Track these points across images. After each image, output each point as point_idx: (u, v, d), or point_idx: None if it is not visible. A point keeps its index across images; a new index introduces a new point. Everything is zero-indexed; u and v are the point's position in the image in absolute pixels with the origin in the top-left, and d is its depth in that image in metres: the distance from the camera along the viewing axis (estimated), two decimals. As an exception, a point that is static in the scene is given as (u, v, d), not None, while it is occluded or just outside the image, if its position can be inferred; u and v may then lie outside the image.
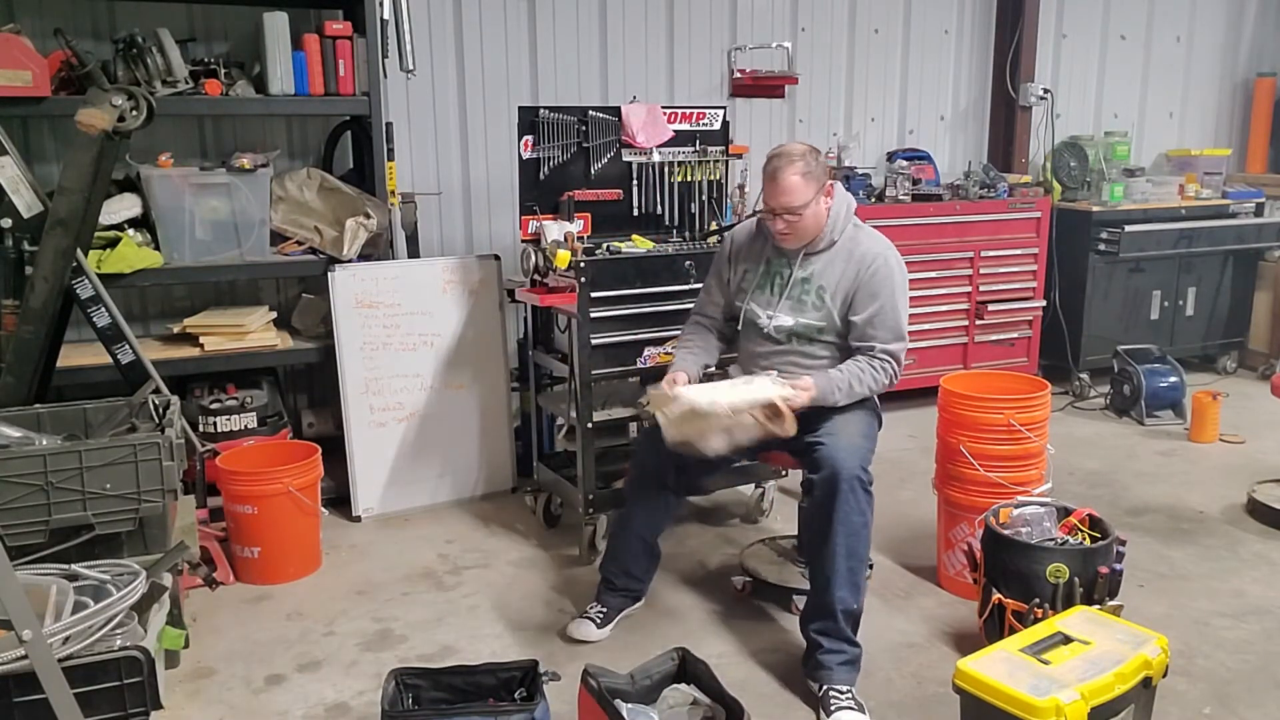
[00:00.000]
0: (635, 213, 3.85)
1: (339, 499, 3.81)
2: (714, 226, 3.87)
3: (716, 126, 3.94)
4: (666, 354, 3.41)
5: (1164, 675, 2.14)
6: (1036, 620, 2.42)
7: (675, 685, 2.28)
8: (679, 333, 3.09)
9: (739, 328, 2.93)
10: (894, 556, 3.39)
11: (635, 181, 3.83)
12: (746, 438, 2.58)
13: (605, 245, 3.49)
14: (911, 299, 2.85)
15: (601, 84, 4.67)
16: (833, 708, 2.47)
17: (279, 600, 3.16)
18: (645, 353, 3.40)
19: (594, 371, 3.33)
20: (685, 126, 3.88)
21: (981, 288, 5.03)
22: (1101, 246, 5.17)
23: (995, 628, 2.64)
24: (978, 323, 5.06)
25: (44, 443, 2.68)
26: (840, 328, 2.78)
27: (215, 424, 3.63)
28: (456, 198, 4.49)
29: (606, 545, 3.04)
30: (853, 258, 2.76)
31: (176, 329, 3.72)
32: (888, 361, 2.72)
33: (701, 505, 3.88)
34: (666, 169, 3.87)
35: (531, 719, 2.13)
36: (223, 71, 3.59)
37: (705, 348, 2.95)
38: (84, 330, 3.35)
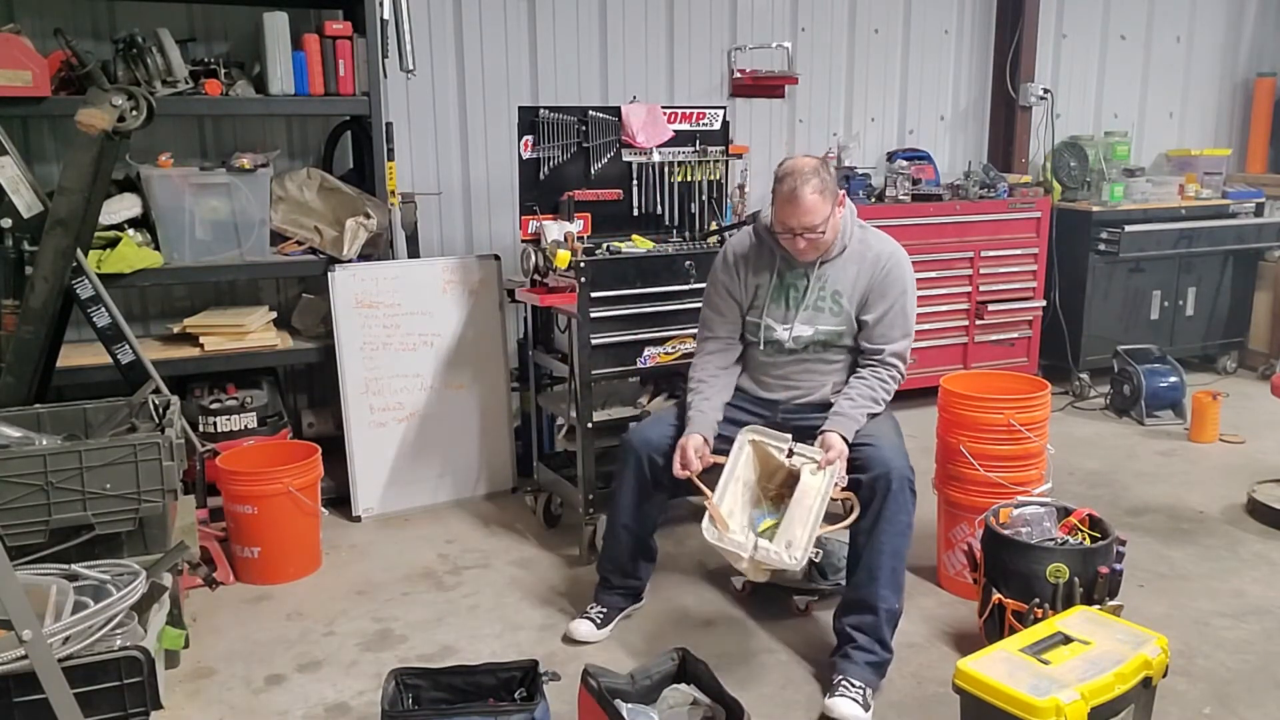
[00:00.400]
0: (635, 213, 3.85)
1: (339, 499, 3.81)
2: (714, 226, 3.87)
3: (716, 126, 3.94)
4: (666, 354, 3.42)
5: (1164, 675, 2.14)
6: (1036, 620, 2.42)
7: (675, 685, 2.28)
8: (693, 359, 2.95)
9: (750, 340, 2.88)
10: (894, 556, 3.39)
11: (635, 181, 3.83)
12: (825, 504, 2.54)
13: (605, 245, 3.49)
14: (911, 299, 2.85)
15: (601, 84, 4.67)
16: (836, 694, 2.47)
17: (279, 600, 3.16)
18: (645, 353, 3.40)
19: (594, 371, 3.33)
20: (685, 126, 3.88)
21: (981, 288, 5.03)
22: (1101, 246, 5.17)
23: (995, 628, 2.64)
24: (978, 323, 5.06)
25: (44, 443, 2.68)
26: (857, 329, 2.79)
27: (215, 424, 3.63)
28: (456, 198, 4.49)
29: (602, 545, 3.04)
30: (865, 259, 2.76)
31: (176, 329, 3.72)
32: (895, 368, 2.75)
33: (702, 505, 3.86)
34: (666, 169, 3.87)
35: (531, 719, 2.13)
36: (223, 71, 3.59)
37: (721, 385, 2.84)
38: (84, 330, 3.35)
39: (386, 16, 3.69)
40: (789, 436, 2.63)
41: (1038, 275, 5.18)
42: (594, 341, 3.30)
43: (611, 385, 3.55)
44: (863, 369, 2.77)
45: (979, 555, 2.77)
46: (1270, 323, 5.68)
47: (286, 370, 4.19)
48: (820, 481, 2.51)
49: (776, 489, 2.64)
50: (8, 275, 2.98)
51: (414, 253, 4.03)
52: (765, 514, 2.61)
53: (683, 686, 2.28)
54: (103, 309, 3.09)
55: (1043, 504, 2.80)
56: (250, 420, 3.68)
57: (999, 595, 2.62)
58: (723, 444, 2.70)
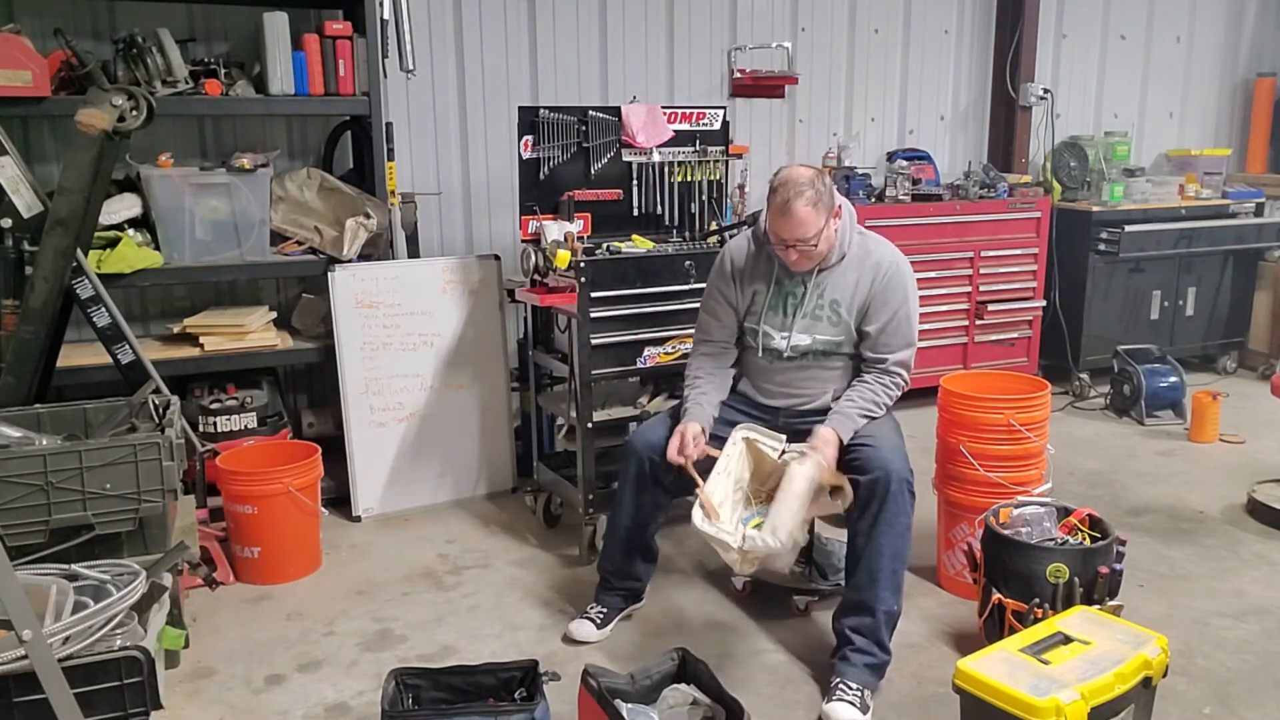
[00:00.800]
0: (635, 213, 3.85)
1: (339, 499, 3.81)
2: (714, 226, 3.87)
3: (716, 126, 3.94)
4: (666, 354, 3.41)
5: (1164, 675, 2.14)
6: (1036, 620, 2.42)
7: (675, 685, 2.28)
8: (689, 359, 2.97)
9: (748, 346, 2.87)
10: (894, 556, 3.38)
11: (635, 181, 3.83)
12: (807, 510, 2.55)
13: (605, 245, 3.49)
14: (910, 299, 2.84)
15: (601, 84, 4.67)
16: (834, 698, 2.47)
17: (279, 600, 3.16)
18: (645, 353, 3.40)
19: (594, 371, 3.33)
20: (685, 126, 3.88)
21: (981, 288, 5.03)
22: (1101, 246, 5.17)
23: (995, 628, 2.64)
24: (978, 323, 5.06)
25: (44, 443, 2.68)
26: (856, 338, 2.77)
27: (215, 424, 3.63)
28: (456, 198, 4.49)
29: (602, 545, 3.04)
30: (865, 267, 2.73)
31: (176, 329, 3.72)
32: (898, 375, 2.74)
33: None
34: (666, 169, 3.87)
35: (531, 719, 2.13)
36: (223, 71, 3.59)
37: (717, 384, 2.85)
38: (84, 330, 3.35)
39: (386, 16, 3.69)
40: (784, 437, 2.63)
41: (1038, 275, 5.18)
42: (594, 341, 3.30)
43: (611, 385, 3.55)
44: (866, 375, 2.76)
45: (979, 555, 2.77)
46: (1270, 323, 5.68)
47: (286, 370, 4.19)
48: (806, 469, 2.50)
49: (769, 492, 2.63)
50: (8, 275, 2.98)
51: (414, 253, 4.03)
52: (755, 513, 2.61)
53: (683, 686, 2.28)
54: (103, 309, 3.09)
55: (1043, 504, 2.80)
56: (250, 420, 3.68)
57: (999, 595, 2.62)
58: (718, 443, 2.69)
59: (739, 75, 4.92)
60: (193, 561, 2.81)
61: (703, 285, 3.01)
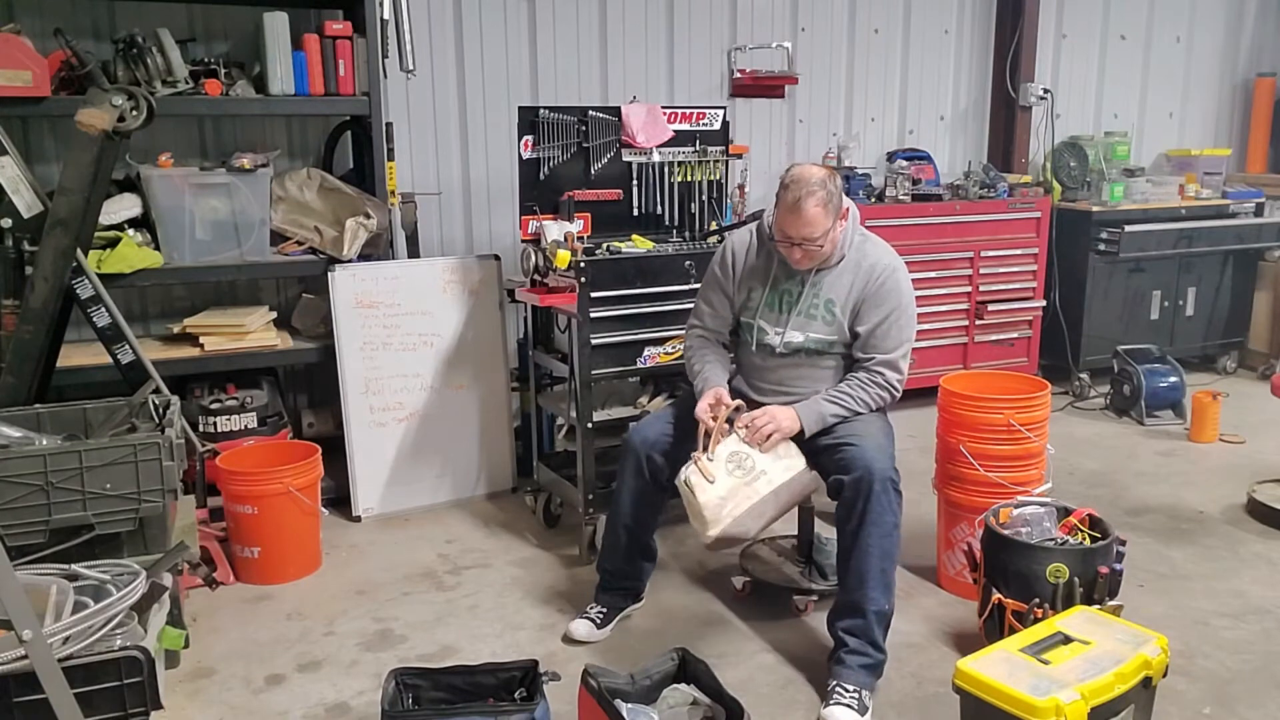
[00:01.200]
0: (635, 213, 3.85)
1: (339, 499, 3.81)
2: (714, 226, 3.87)
3: (716, 126, 3.93)
4: (666, 354, 3.41)
5: (1164, 675, 2.14)
6: (1036, 620, 2.42)
7: (675, 685, 2.28)
8: (683, 341, 3.02)
9: (744, 341, 2.90)
10: (894, 556, 3.39)
11: (635, 181, 3.83)
12: (776, 507, 2.65)
13: (605, 245, 3.49)
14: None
15: (601, 84, 4.67)
16: (831, 702, 2.47)
17: (279, 600, 3.16)
18: (645, 353, 3.40)
19: (594, 371, 3.33)
20: (685, 126, 3.88)
21: (981, 288, 5.03)
22: (1101, 246, 5.17)
23: (995, 628, 2.64)
24: (978, 323, 5.06)
25: (44, 443, 2.68)
26: (850, 339, 2.77)
27: (215, 424, 3.63)
28: (456, 198, 4.49)
29: (601, 544, 3.04)
30: (860, 268, 2.74)
31: (176, 329, 3.72)
32: (881, 374, 2.72)
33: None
34: (666, 169, 3.87)
35: (531, 719, 2.13)
36: (223, 71, 3.59)
37: (721, 362, 2.89)
38: (84, 330, 3.35)
39: (386, 16, 3.69)
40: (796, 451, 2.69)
41: (1038, 275, 5.18)
42: (594, 341, 3.30)
43: (611, 385, 3.56)
44: (852, 373, 2.77)
45: (979, 555, 2.77)
46: (1270, 323, 5.68)
47: (286, 370, 4.19)
48: (768, 460, 2.61)
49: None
50: (8, 275, 2.98)
51: (414, 253, 4.03)
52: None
53: (683, 686, 2.28)
54: (103, 309, 3.09)
55: (1043, 504, 2.80)
56: (250, 420, 3.68)
57: (999, 595, 2.62)
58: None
59: (739, 75, 4.92)
60: (193, 561, 2.82)
61: (699, 290, 3.03)
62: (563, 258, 3.28)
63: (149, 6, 3.74)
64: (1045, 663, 2.06)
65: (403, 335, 3.79)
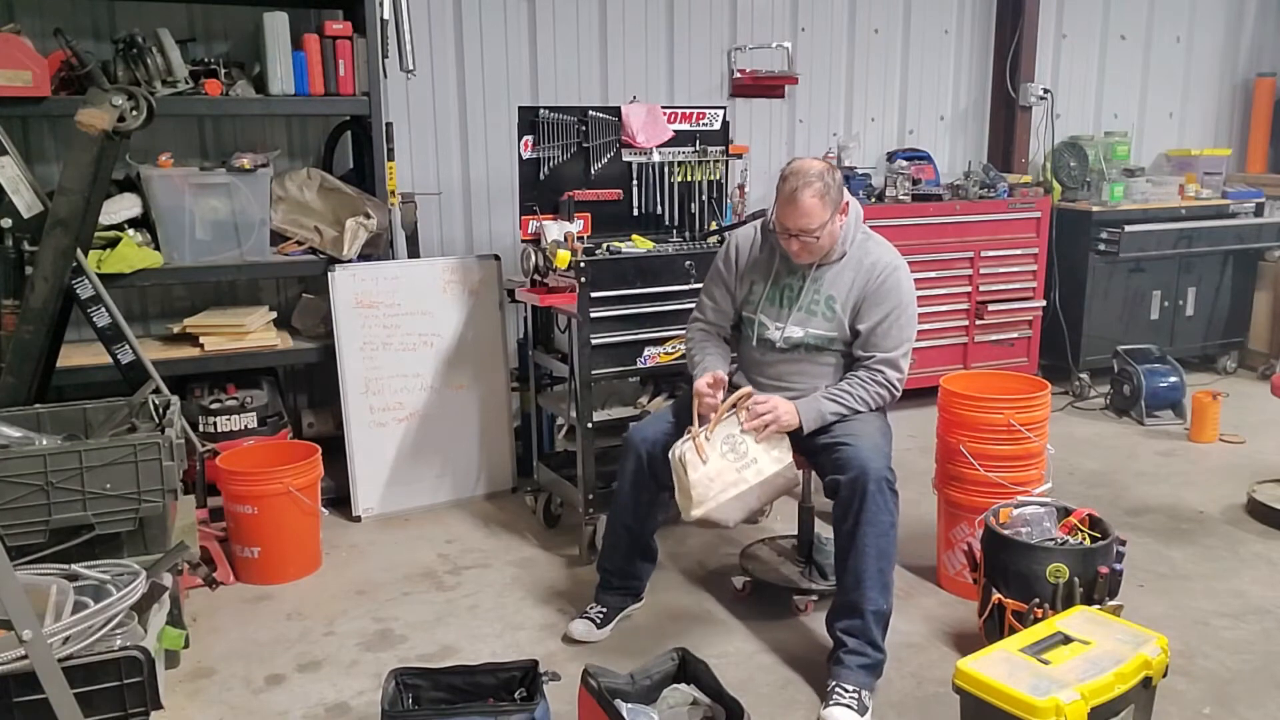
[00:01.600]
0: (635, 213, 3.85)
1: (339, 499, 3.81)
2: (714, 226, 3.87)
3: (716, 126, 3.93)
4: (666, 354, 3.41)
5: (1164, 675, 2.14)
6: (1036, 620, 2.42)
7: (675, 685, 2.28)
8: (685, 335, 3.04)
9: (744, 336, 2.91)
10: (894, 556, 3.39)
11: (635, 181, 3.83)
12: (758, 499, 2.67)
13: (605, 245, 3.49)
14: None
15: (601, 84, 4.67)
16: (830, 702, 2.47)
17: (279, 600, 3.16)
18: (645, 353, 3.40)
19: (594, 371, 3.33)
20: (685, 126, 3.88)
21: (981, 288, 5.03)
22: (1101, 246, 5.17)
23: (995, 628, 2.64)
24: (978, 323, 5.06)
25: (44, 443, 2.68)
26: (850, 336, 2.78)
27: (215, 424, 3.63)
28: (456, 198, 4.49)
29: (602, 544, 3.04)
30: (862, 266, 2.75)
31: (176, 329, 3.72)
32: (881, 373, 2.72)
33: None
34: (666, 169, 3.87)
35: (531, 719, 2.13)
36: (223, 71, 3.59)
37: (722, 353, 2.91)
38: (84, 330, 3.35)
39: (386, 16, 3.69)
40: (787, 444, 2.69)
41: (1038, 275, 5.18)
42: (594, 341, 3.30)
43: (611, 385, 3.56)
44: (852, 371, 2.77)
45: (979, 555, 2.77)
46: (1270, 323, 5.68)
47: (286, 370, 4.19)
48: (762, 452, 2.62)
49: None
50: (8, 275, 2.98)
51: (414, 253, 4.03)
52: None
53: (683, 686, 2.28)
54: (103, 309, 3.09)
55: (1043, 504, 2.80)
56: (250, 420, 3.68)
57: (999, 595, 2.62)
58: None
59: (739, 75, 4.92)
60: (193, 561, 2.82)
61: (702, 285, 3.04)
62: (563, 258, 3.28)
63: (149, 6, 3.74)
64: (1045, 663, 2.06)
65: (403, 335, 3.79)
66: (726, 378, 2.78)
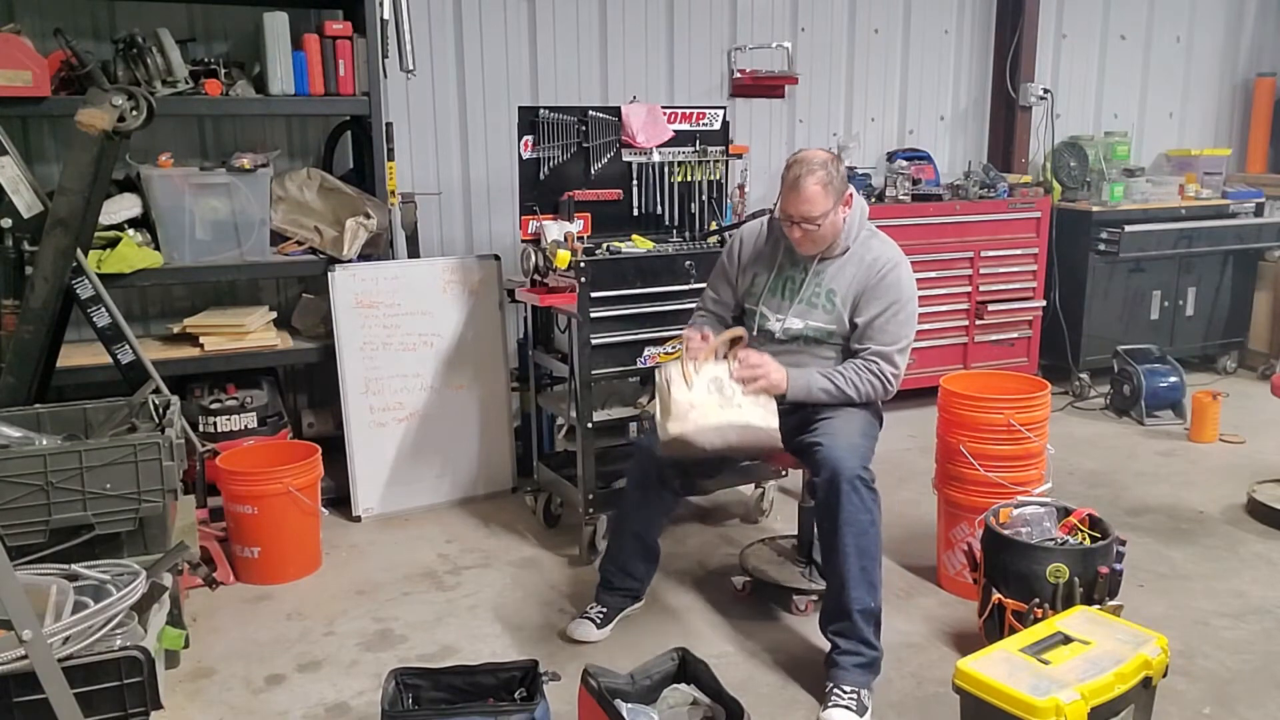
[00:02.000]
0: (635, 213, 3.85)
1: (339, 499, 3.81)
2: (714, 226, 3.87)
3: (716, 126, 3.94)
4: (667, 354, 3.41)
5: (1164, 675, 2.14)
6: (1036, 620, 2.42)
7: (675, 685, 2.28)
8: (685, 330, 3.04)
9: (746, 328, 2.90)
10: (894, 556, 3.38)
11: (635, 181, 3.83)
12: (739, 439, 2.61)
13: (605, 245, 3.49)
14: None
15: (601, 84, 4.67)
16: (829, 704, 2.47)
17: (279, 600, 3.16)
18: (645, 353, 3.40)
19: (594, 371, 3.33)
20: (685, 126, 3.88)
21: (981, 288, 5.04)
22: (1101, 246, 5.17)
23: (995, 628, 2.64)
24: (978, 323, 5.06)
25: (44, 443, 2.68)
26: (848, 330, 2.78)
27: (215, 424, 3.63)
28: (456, 198, 4.49)
29: (605, 545, 3.04)
30: (863, 262, 2.76)
31: (176, 329, 3.72)
32: (875, 364, 2.71)
33: (701, 505, 3.88)
34: (666, 169, 3.87)
35: (531, 719, 2.13)
36: (223, 71, 3.59)
37: (716, 329, 2.92)
38: (84, 330, 3.35)
39: (386, 16, 3.69)
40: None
41: (1038, 275, 5.18)
42: (594, 341, 3.30)
43: (611, 385, 3.55)
44: (848, 361, 2.78)
45: (979, 555, 2.77)
46: (1270, 323, 5.68)
47: (286, 370, 4.19)
48: (750, 403, 2.59)
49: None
50: (8, 275, 2.98)
51: (414, 253, 4.03)
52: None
53: (683, 686, 2.27)
54: (103, 309, 3.09)
55: (1043, 504, 2.80)
56: (250, 420, 3.68)
57: (999, 595, 2.62)
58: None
59: (739, 75, 4.92)
60: (193, 561, 2.81)
61: (703, 285, 3.09)
62: (563, 258, 3.28)
63: (149, 6, 3.74)
64: (1045, 663, 2.06)
65: (403, 335, 3.79)
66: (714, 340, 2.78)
